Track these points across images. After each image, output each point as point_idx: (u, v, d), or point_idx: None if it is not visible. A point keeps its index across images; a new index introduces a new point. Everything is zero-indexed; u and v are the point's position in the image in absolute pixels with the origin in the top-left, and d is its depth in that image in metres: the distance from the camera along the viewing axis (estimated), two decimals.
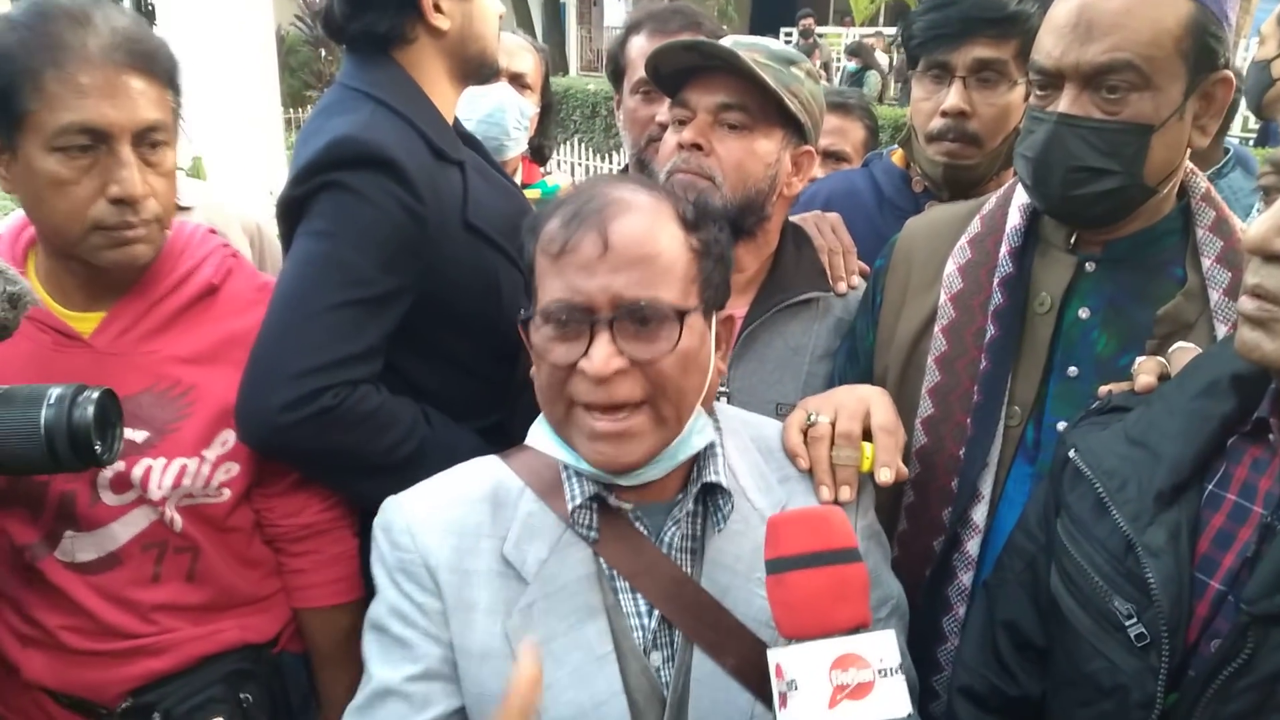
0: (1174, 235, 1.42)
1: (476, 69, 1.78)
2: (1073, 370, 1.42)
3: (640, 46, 2.17)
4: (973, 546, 1.47)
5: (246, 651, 1.59)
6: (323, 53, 15.04)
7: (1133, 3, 1.28)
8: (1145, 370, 1.26)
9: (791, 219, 1.80)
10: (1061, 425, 1.38)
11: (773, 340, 1.68)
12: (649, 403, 1.13)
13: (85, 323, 1.49)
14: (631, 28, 2.26)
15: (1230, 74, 1.34)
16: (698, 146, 1.62)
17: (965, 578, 1.48)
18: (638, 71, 2.12)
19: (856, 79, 13.15)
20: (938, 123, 1.87)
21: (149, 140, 1.40)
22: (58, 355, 1.46)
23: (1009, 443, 1.45)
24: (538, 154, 2.98)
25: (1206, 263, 1.38)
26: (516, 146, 2.69)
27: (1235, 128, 10.18)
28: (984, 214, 1.56)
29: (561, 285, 1.12)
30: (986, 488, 1.45)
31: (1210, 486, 1.11)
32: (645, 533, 1.21)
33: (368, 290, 1.51)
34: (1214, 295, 1.36)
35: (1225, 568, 1.07)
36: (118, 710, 1.51)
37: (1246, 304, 1.02)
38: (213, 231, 1.66)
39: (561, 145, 11.82)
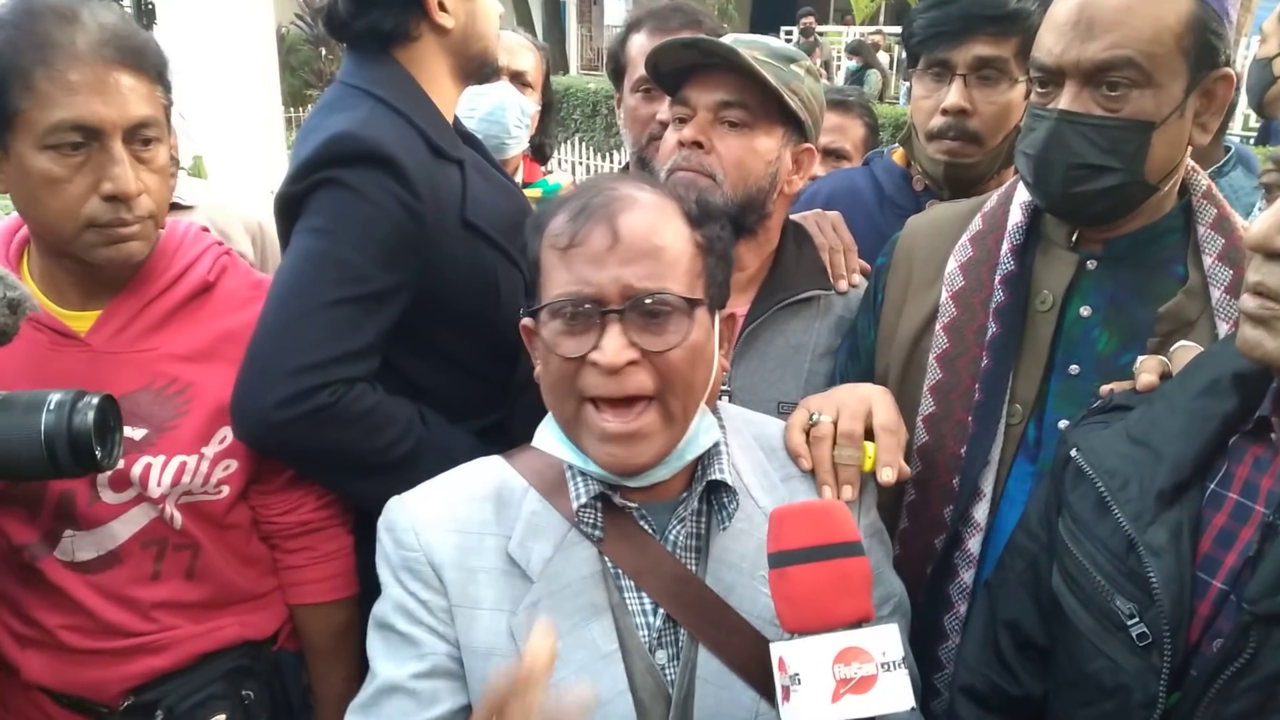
0: (1175, 233, 1.42)
1: (478, 68, 1.78)
2: (1074, 368, 1.42)
3: (641, 45, 2.17)
4: (974, 544, 1.47)
5: (246, 649, 1.59)
6: (323, 52, 15.05)
7: (1134, 0, 1.27)
8: (1147, 369, 1.26)
9: (792, 217, 1.80)
10: (1063, 423, 1.38)
11: (774, 338, 1.68)
12: (658, 398, 1.13)
13: (81, 321, 1.48)
14: (632, 26, 2.26)
15: (1231, 71, 1.34)
16: (698, 144, 1.62)
17: (966, 575, 1.48)
18: (638, 70, 2.12)
19: (857, 77, 13.15)
20: (938, 121, 1.87)
21: (140, 137, 1.39)
22: (54, 354, 1.46)
23: (1010, 441, 1.45)
24: (539, 152, 2.98)
25: (1208, 260, 1.38)
26: (517, 145, 2.69)
27: (1236, 126, 10.18)
28: (986, 211, 1.55)
29: (570, 278, 1.12)
30: (988, 486, 1.45)
31: (1212, 485, 1.11)
32: (650, 531, 1.21)
33: (365, 287, 1.51)
34: (1215, 293, 1.36)
35: (1227, 567, 1.07)
36: (119, 709, 1.51)
37: (1248, 302, 1.02)
38: (205, 230, 1.65)
39: (562, 144, 11.82)
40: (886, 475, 1.28)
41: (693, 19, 2.17)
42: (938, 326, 1.52)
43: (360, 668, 1.65)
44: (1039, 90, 1.37)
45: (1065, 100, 1.33)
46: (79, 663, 1.50)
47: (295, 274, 1.52)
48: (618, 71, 2.28)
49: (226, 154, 5.76)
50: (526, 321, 1.22)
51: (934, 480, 1.50)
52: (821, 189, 2.13)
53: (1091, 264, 1.43)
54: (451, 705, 1.17)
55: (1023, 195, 1.50)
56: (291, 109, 12.13)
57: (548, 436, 1.22)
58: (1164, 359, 1.28)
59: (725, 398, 1.60)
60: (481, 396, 1.72)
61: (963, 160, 1.88)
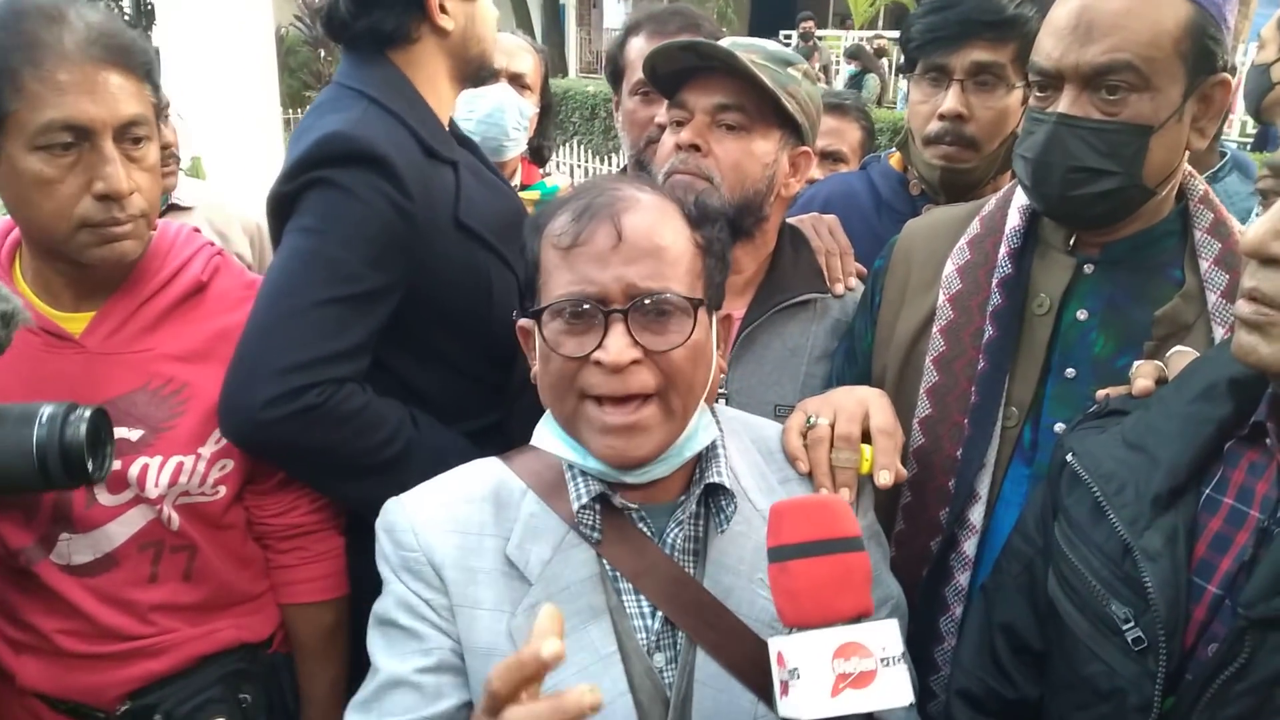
0: (1172, 237, 1.42)
1: (476, 70, 1.79)
2: (1070, 371, 1.42)
3: (639, 48, 2.17)
4: (969, 547, 1.47)
5: (243, 651, 1.59)
6: (322, 53, 15.05)
7: (1132, 4, 1.28)
8: (1143, 374, 1.26)
9: (789, 220, 1.81)
10: (1059, 426, 1.38)
11: (771, 341, 1.68)
12: (659, 395, 1.14)
13: (75, 323, 1.48)
14: (630, 29, 2.26)
15: (1228, 76, 1.34)
16: (695, 147, 1.62)
17: (962, 578, 1.48)
18: (636, 73, 2.12)
19: (856, 82, 13.17)
20: (935, 126, 1.87)
21: (130, 135, 1.39)
22: (49, 356, 1.45)
23: (1006, 444, 1.45)
24: (537, 155, 2.98)
25: (1204, 265, 1.38)
26: (516, 147, 2.69)
27: (1234, 132, 10.18)
28: (983, 215, 1.56)
29: (573, 277, 1.12)
30: (983, 488, 1.45)
31: (1207, 490, 1.11)
32: (648, 534, 1.21)
33: (355, 287, 1.50)
34: (1211, 297, 1.36)
35: (1222, 572, 1.07)
36: (117, 713, 1.50)
37: (1243, 307, 1.02)
38: (197, 230, 1.65)
39: (561, 147, 11.83)
40: (883, 478, 1.28)
41: (691, 22, 2.17)
42: (934, 329, 1.52)
43: (348, 669, 1.65)
44: (1038, 94, 1.38)
45: (1064, 104, 1.33)
46: (76, 667, 1.49)
47: (285, 273, 1.51)
48: (616, 74, 2.28)
49: (225, 155, 5.77)
50: (524, 322, 1.21)
51: (930, 483, 1.50)
52: (818, 192, 2.13)
53: (1089, 268, 1.43)
54: (456, 701, 1.16)
55: (1021, 199, 1.50)
56: (290, 110, 12.13)
57: (547, 434, 1.22)
58: (1160, 364, 1.29)
59: (722, 400, 1.61)
60: (475, 398, 1.72)
61: (959, 165, 1.88)
